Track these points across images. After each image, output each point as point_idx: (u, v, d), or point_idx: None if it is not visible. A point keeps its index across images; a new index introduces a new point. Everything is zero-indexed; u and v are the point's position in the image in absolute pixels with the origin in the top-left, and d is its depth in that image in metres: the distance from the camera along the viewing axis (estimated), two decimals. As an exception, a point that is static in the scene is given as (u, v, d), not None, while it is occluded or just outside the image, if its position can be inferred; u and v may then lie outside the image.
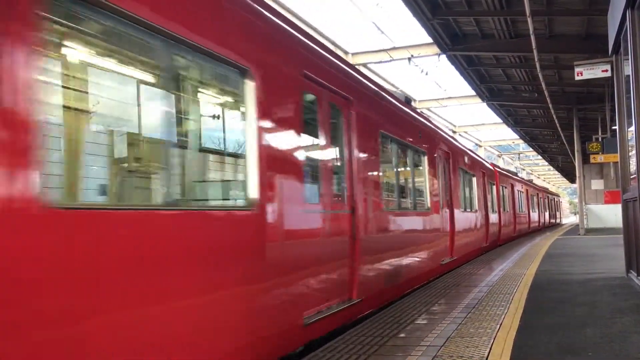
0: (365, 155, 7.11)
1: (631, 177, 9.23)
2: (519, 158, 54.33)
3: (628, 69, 8.35)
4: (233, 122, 4.86)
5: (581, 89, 21.78)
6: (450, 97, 27.37)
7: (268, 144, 4.74)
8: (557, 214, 52.56)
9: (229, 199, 4.95)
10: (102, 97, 3.68)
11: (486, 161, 20.25)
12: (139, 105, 3.97)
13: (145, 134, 4.01)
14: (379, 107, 8.17)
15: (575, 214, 61.21)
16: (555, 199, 51.44)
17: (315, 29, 15.58)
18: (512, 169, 47.90)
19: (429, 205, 10.38)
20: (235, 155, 4.85)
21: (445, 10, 14.89)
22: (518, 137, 37.31)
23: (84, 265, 2.94)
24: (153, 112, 4.07)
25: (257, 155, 4.55)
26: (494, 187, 19.16)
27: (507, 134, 39.17)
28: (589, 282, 9.02)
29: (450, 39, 16.75)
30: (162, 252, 3.47)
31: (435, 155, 11.08)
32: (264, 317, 4.60)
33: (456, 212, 12.54)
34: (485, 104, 25.13)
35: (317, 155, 6.11)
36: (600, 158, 24.39)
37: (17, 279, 2.62)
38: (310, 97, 5.85)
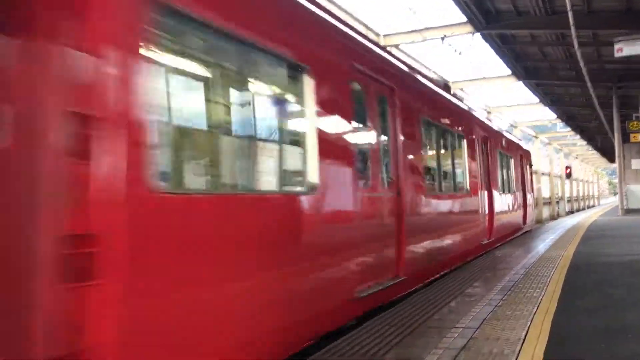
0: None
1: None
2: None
3: (671, 45, 8.09)
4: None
5: (621, 66, 21.08)
6: (485, 78, 26.84)
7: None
8: (523, 201, 16.77)
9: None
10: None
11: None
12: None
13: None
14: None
15: (615, 195, 59.38)
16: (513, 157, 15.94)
17: (347, 12, 15.43)
18: (550, 149, 46.30)
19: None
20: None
21: (479, -12, 14.61)
22: (555, 116, 36.37)
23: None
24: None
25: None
26: None
27: (543, 114, 38.12)
28: (629, 263, 8.87)
29: (485, 17, 16.39)
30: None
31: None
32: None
33: None
34: (521, 82, 24.60)
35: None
36: (641, 137, 23.72)
37: None
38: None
